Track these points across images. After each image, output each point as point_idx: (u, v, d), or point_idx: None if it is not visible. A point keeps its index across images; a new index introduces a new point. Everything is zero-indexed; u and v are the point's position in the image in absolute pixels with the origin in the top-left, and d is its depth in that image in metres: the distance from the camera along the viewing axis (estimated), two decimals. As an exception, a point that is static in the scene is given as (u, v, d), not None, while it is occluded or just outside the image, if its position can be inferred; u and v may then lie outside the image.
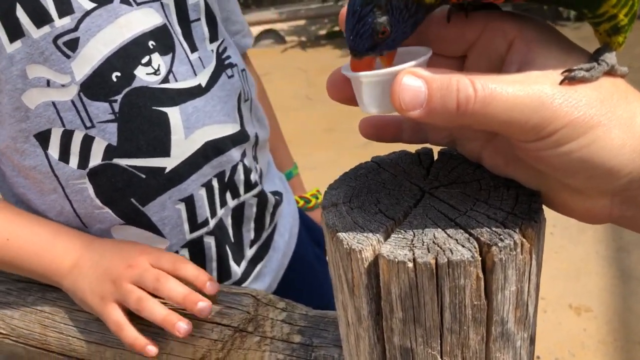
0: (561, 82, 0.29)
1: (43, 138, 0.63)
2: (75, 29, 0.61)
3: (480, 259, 0.32)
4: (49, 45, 0.60)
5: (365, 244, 0.34)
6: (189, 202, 0.69)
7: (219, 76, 0.71)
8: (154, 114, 0.64)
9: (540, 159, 0.31)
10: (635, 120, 0.29)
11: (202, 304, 0.58)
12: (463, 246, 0.33)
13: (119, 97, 0.63)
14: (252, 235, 0.80)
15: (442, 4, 0.32)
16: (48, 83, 0.61)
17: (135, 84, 0.63)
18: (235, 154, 0.72)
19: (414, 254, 0.33)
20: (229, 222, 0.76)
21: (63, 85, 0.61)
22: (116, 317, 0.59)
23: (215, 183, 0.71)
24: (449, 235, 0.34)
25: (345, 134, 3.44)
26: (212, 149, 0.69)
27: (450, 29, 0.34)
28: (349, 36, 0.32)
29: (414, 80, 0.30)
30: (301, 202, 1.06)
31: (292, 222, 0.93)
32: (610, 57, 0.30)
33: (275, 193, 0.85)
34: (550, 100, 0.29)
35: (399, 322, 0.35)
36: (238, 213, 0.77)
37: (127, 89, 0.63)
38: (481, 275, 0.33)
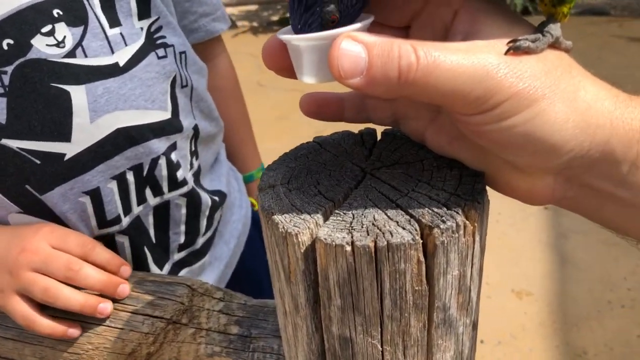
0: (506, 52, 0.28)
1: None
2: None
3: (421, 241, 0.30)
4: None
5: (302, 227, 0.32)
6: (95, 195, 0.62)
7: (145, 56, 0.64)
8: (52, 90, 0.57)
9: (482, 134, 0.30)
10: (579, 95, 0.28)
11: (123, 287, 0.55)
12: (404, 228, 0.31)
13: (9, 69, 0.55)
14: (181, 239, 0.73)
15: None
16: None
17: (32, 54, 0.56)
18: (156, 145, 0.65)
19: (352, 237, 0.30)
20: (149, 221, 0.69)
21: None
22: (22, 309, 0.54)
23: (130, 177, 0.64)
24: (389, 217, 0.32)
25: (297, 122, 3.41)
26: (125, 137, 0.62)
27: (394, -2, 0.32)
28: (296, 25, 0.29)
29: (354, 45, 0.27)
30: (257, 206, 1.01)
31: (242, 230, 0.86)
32: (555, 29, 0.29)
33: (214, 193, 0.78)
34: (495, 70, 0.27)
35: (337, 310, 0.33)
36: (162, 213, 0.70)
37: (20, 60, 0.55)
38: (422, 259, 0.31)
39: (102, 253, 0.58)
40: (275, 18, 5.53)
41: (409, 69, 0.27)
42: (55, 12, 0.56)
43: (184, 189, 0.71)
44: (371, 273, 0.31)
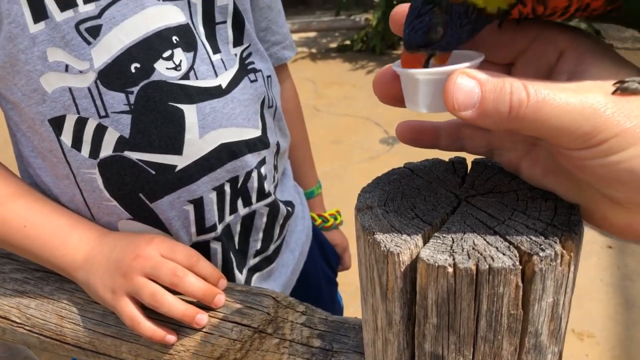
0: (613, 92, 0.29)
1: (57, 123, 0.63)
2: (99, 16, 0.60)
3: (520, 267, 0.32)
4: (71, 30, 0.60)
5: (404, 247, 0.34)
6: (198, 204, 0.68)
7: (241, 80, 0.71)
8: (170, 109, 0.63)
9: (585, 168, 0.31)
10: None
11: (219, 297, 0.59)
12: (504, 254, 0.32)
13: (135, 89, 0.62)
14: (258, 245, 0.79)
15: (503, 16, 0.32)
16: (66, 68, 0.61)
17: (154, 77, 0.63)
18: (251, 160, 0.71)
19: (454, 259, 0.32)
20: (237, 229, 0.75)
21: (81, 72, 0.61)
22: (130, 311, 0.59)
23: (227, 188, 0.70)
24: (488, 242, 0.34)
25: (351, 147, 3.45)
26: (227, 152, 0.68)
27: (502, 36, 0.34)
28: (405, 29, 0.32)
29: (468, 81, 0.30)
30: (319, 221, 1.06)
31: (305, 240, 0.91)
32: (663, 72, 0.30)
33: (287, 204, 0.84)
34: (603, 109, 0.29)
35: (433, 328, 0.35)
36: (248, 222, 0.76)
37: (144, 82, 0.62)
38: (520, 284, 0.32)
39: (205, 265, 0.63)
40: (333, 45, 5.66)
41: (519, 105, 0.29)
42: (174, 38, 0.63)
43: (269, 200, 0.76)
44: (470, 294, 0.33)
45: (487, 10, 0.31)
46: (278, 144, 0.78)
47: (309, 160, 1.07)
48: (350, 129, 3.71)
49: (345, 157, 3.30)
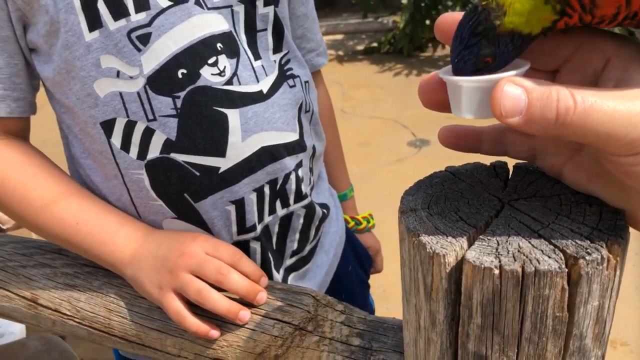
0: (662, 100, 0.30)
1: (108, 126, 0.66)
2: (149, 24, 0.63)
3: (566, 270, 0.33)
4: (123, 37, 0.63)
5: (449, 249, 0.35)
6: (240, 205, 0.70)
7: (281, 85, 0.73)
8: (214, 113, 0.66)
9: (632, 174, 0.32)
10: None
11: (262, 294, 0.61)
12: (549, 257, 0.33)
13: (182, 94, 0.65)
14: (295, 246, 0.81)
15: (548, 30, 0.33)
16: (118, 74, 0.64)
17: (200, 82, 0.65)
18: (289, 162, 0.73)
19: (500, 261, 0.33)
20: (275, 230, 0.77)
21: (131, 77, 0.64)
22: (176, 306, 0.61)
23: (267, 189, 0.72)
24: (533, 245, 0.34)
25: (378, 149, 3.45)
26: (267, 155, 0.70)
27: (547, 44, 0.35)
28: (453, 58, 0.33)
29: (515, 89, 0.30)
30: (352, 223, 1.07)
31: (338, 241, 0.93)
32: None
33: (322, 206, 0.86)
34: None
35: (477, 328, 0.36)
36: (286, 222, 0.78)
37: (191, 87, 0.65)
38: (566, 287, 0.33)
39: (248, 264, 0.65)
40: (360, 47, 5.66)
41: (566, 112, 0.30)
42: (218, 45, 0.65)
43: (306, 202, 0.78)
44: (516, 296, 0.33)
45: (532, 33, 0.32)
46: (314, 147, 0.80)
47: (341, 163, 1.09)
48: (377, 132, 3.71)
49: (373, 159, 3.31)
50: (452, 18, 0.37)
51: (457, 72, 0.34)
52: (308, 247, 0.83)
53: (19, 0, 0.62)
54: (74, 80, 0.65)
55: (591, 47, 0.34)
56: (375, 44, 5.46)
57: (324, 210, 0.85)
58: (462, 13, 0.36)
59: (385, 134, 3.66)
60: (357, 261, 0.99)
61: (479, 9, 0.32)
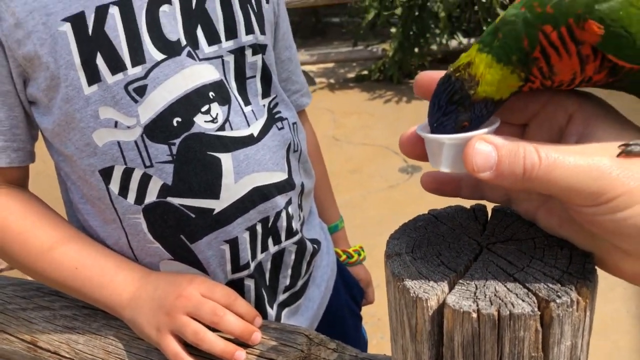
0: (618, 155, 0.33)
1: (106, 174, 0.69)
2: (145, 77, 0.67)
3: (539, 313, 0.35)
4: (121, 90, 0.66)
5: (431, 294, 0.37)
6: (233, 244, 0.73)
7: (270, 128, 0.77)
8: (208, 158, 0.69)
9: (595, 223, 0.34)
10: None
11: (256, 334, 0.63)
12: (523, 300, 0.35)
13: (177, 141, 0.68)
14: (287, 281, 0.83)
15: (516, 92, 0.36)
16: (116, 124, 0.67)
17: (194, 129, 0.69)
18: (280, 201, 0.76)
19: (477, 305, 0.36)
20: (267, 267, 0.79)
21: (129, 127, 0.67)
22: (174, 348, 0.63)
23: (259, 228, 0.75)
24: (509, 289, 0.37)
25: (369, 176, 3.48)
26: (259, 195, 0.73)
27: (517, 101, 0.38)
28: (432, 123, 0.37)
29: (485, 146, 0.33)
30: (343, 256, 1.10)
31: (330, 275, 0.96)
32: (664, 137, 0.34)
33: (313, 241, 0.88)
34: (609, 171, 0.32)
35: (459, 368, 0.38)
36: (278, 259, 0.80)
37: (185, 134, 0.68)
38: (540, 328, 0.35)
39: (242, 304, 0.67)
40: (351, 75, 5.76)
41: (532, 167, 0.33)
42: (211, 94, 0.69)
43: (296, 238, 0.81)
44: (493, 337, 0.36)
45: (503, 98, 0.35)
46: (302, 185, 0.83)
47: (329, 196, 1.12)
48: (369, 158, 3.75)
49: (365, 186, 3.34)
50: (429, 76, 0.40)
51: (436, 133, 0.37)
52: (300, 282, 0.85)
53: (20, 58, 0.65)
54: (73, 131, 0.68)
55: (555, 104, 0.38)
56: (365, 72, 5.56)
57: (315, 246, 0.87)
58: (439, 72, 0.39)
59: (376, 161, 3.70)
60: (349, 293, 1.01)
61: (453, 79, 0.35)
